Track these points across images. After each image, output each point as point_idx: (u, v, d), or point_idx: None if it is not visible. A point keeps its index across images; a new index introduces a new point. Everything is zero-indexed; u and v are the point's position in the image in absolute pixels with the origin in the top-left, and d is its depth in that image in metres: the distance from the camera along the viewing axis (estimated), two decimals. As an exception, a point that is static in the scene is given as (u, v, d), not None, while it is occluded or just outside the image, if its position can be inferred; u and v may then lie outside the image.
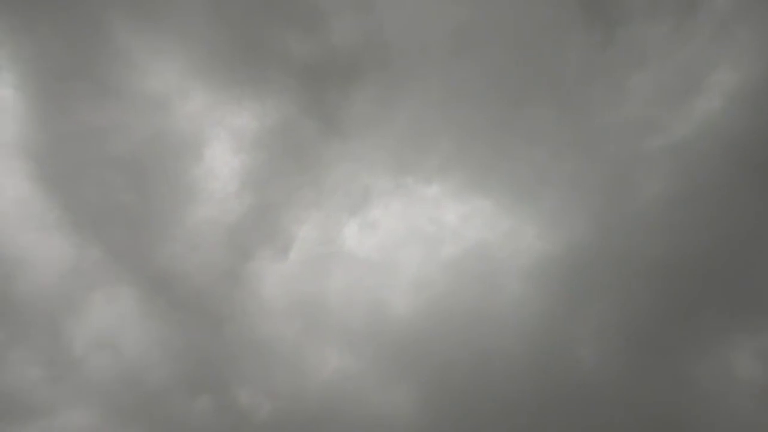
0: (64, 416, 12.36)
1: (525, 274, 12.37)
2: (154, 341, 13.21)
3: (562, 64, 12.61)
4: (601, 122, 12.29)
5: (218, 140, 14.07)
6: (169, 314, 13.45)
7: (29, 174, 13.41)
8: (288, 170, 13.78)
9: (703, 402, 11.05)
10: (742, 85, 11.31)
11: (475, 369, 11.99)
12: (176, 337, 13.26)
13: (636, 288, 11.60)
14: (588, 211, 12.06)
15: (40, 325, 12.92)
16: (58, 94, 13.21)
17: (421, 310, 12.73)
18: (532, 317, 12.02)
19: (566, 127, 12.57)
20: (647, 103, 11.93)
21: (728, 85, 11.46)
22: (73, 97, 13.28)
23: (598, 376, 11.42)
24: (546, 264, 12.21)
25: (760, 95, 11.10)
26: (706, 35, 11.64)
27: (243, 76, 13.48)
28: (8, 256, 13.30)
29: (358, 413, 12.50)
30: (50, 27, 12.76)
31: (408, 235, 13.33)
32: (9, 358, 12.66)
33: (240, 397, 13.01)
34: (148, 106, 13.74)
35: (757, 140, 10.99)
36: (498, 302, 12.40)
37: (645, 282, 11.56)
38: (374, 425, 12.27)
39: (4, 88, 13.15)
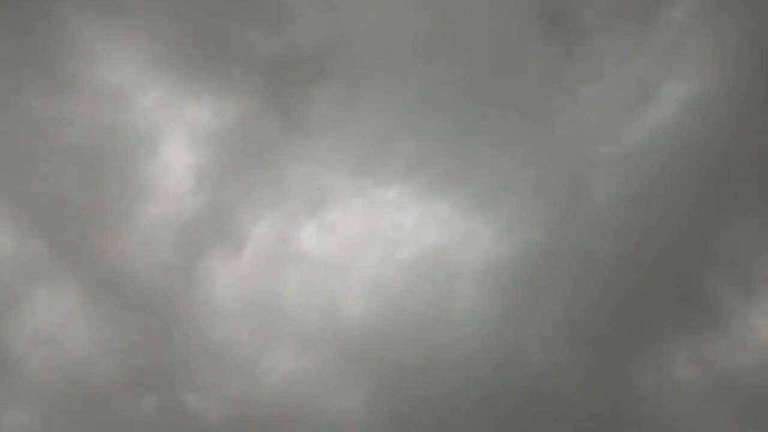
0: (1, 417, 11.71)
1: (480, 277, 12.48)
2: (99, 340, 12.70)
3: (524, 73, 12.88)
4: (558, 130, 12.60)
5: (174, 136, 13.76)
6: (115, 312, 12.97)
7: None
8: (245, 168, 13.58)
9: (643, 403, 11.37)
10: (694, 95, 11.82)
11: (430, 371, 11.99)
12: (123, 336, 12.78)
13: (586, 290, 11.89)
14: (544, 215, 12.31)
15: (-25, 321, 12.28)
16: (7, 82, 12.69)
17: (376, 313, 12.68)
18: (486, 319, 12.14)
19: (525, 134, 12.84)
20: (603, 112, 12.32)
21: (680, 95, 11.95)
22: (23, 85, 12.79)
23: (547, 376, 11.63)
24: (501, 267, 12.37)
25: (710, 104, 11.63)
26: (661, 48, 12.13)
27: (203, 70, 13.28)
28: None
29: (311, 418, 12.28)
30: (2, 11, 12.28)
31: (365, 237, 13.27)
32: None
33: (188, 399, 12.58)
34: (102, 97, 13.36)
35: (706, 146, 11.49)
36: (453, 305, 12.47)
37: (594, 284, 11.87)
38: (328, 430, 12.06)
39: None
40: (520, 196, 12.64)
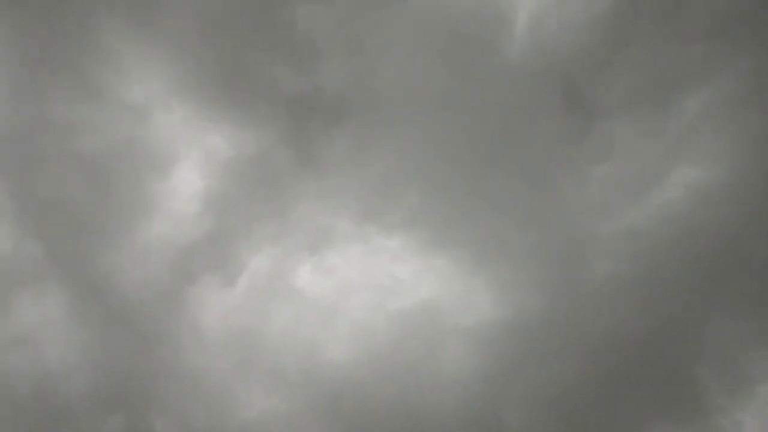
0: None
1: (469, 337, 12.32)
2: (77, 349, 12.49)
3: (536, 143, 13.08)
4: (563, 202, 12.66)
5: (189, 159, 13.89)
6: (98, 325, 12.79)
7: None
8: (252, 199, 13.65)
9: None
10: (703, 182, 11.92)
11: (405, 424, 11.63)
12: (101, 349, 12.56)
13: (573, 360, 11.68)
14: (541, 283, 12.23)
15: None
16: (32, 82, 12.98)
17: (358, 361, 12.45)
18: (469, 379, 11.91)
19: (531, 201, 12.91)
20: (610, 190, 12.42)
21: (689, 181, 12.06)
22: (48, 87, 13.07)
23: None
24: (492, 329, 12.21)
25: (718, 193, 11.71)
26: (674, 134, 12.33)
27: (227, 99, 13.54)
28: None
29: (276, 460, 11.86)
30: (36, 13, 12.67)
31: (360, 282, 13.18)
32: None
33: (156, 424, 12.21)
34: (123, 110, 13.58)
35: (710, 235, 11.49)
36: (438, 363, 12.26)
37: (582, 357, 11.66)
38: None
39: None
40: (520, 261, 12.61)
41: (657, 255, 11.77)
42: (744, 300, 11.47)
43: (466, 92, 12.91)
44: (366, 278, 13.26)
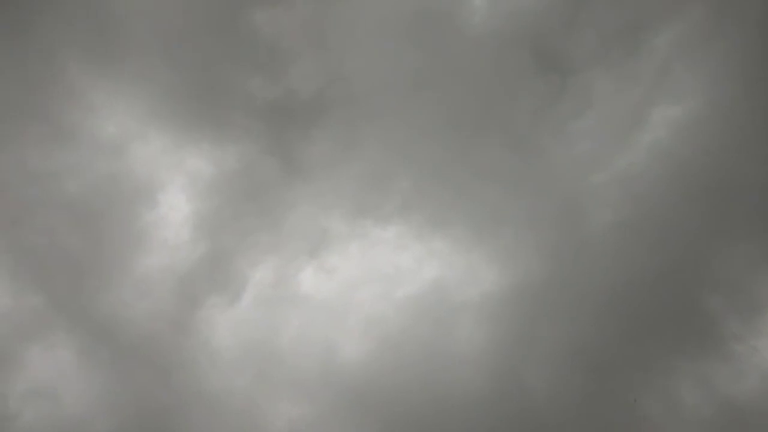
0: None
1: (479, 310, 12.33)
2: (96, 393, 12.38)
3: (516, 108, 13.07)
4: (551, 162, 12.68)
5: (174, 185, 13.82)
6: (112, 364, 12.68)
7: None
8: (244, 214, 13.58)
9: (644, 424, 10.94)
10: (683, 116, 11.95)
11: (433, 407, 11.60)
12: (120, 387, 12.46)
13: (585, 314, 11.67)
14: (541, 244, 12.26)
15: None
16: (4, 133, 12.89)
17: (375, 353, 12.42)
18: (486, 352, 11.91)
19: (519, 166, 12.92)
20: (594, 140, 12.44)
21: (670, 118, 12.07)
22: (21, 136, 12.97)
23: (549, 404, 11.27)
24: (500, 298, 12.22)
25: (701, 124, 11.74)
26: (648, 75, 12.36)
27: (202, 119, 13.49)
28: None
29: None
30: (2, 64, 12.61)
31: (364, 277, 13.15)
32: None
33: (185, 452, 12.12)
34: (101, 148, 13.51)
35: (699, 167, 11.51)
36: (452, 339, 12.26)
37: (594, 308, 11.66)
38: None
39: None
40: (516, 227, 12.61)
41: (652, 195, 11.78)
42: (745, 224, 11.49)
43: (437, 70, 12.92)
44: (369, 272, 13.24)
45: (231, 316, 13.22)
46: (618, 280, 11.82)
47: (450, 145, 13.35)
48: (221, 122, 13.62)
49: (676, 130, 11.87)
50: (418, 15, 13.08)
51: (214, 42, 13.08)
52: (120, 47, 13.08)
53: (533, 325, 12.32)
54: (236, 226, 13.59)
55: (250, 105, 13.39)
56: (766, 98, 11.60)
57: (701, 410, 11.11)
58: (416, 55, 13.01)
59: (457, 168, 13.32)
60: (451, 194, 13.22)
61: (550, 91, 13.17)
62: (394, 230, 13.21)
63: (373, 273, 13.18)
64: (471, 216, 13.15)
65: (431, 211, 13.32)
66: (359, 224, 13.40)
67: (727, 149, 11.53)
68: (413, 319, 12.75)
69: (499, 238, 12.86)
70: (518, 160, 13.14)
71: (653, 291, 11.81)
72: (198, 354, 12.85)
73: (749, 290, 11.63)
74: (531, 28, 13.09)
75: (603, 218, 12.34)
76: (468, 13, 12.91)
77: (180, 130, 13.69)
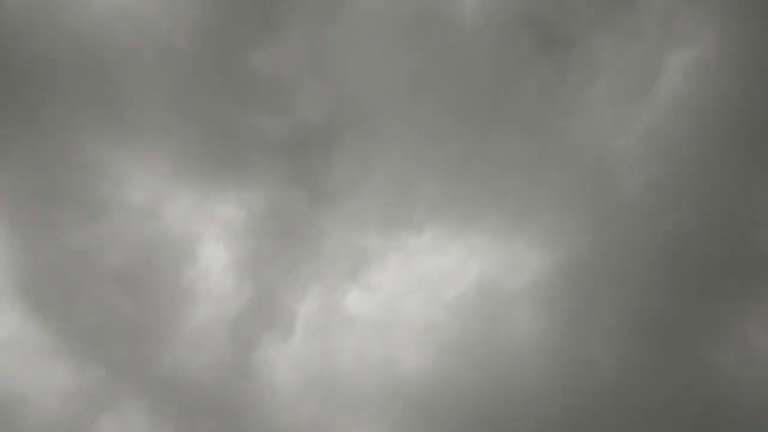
0: None
1: (530, 298, 12.10)
2: (170, 451, 12.52)
3: (525, 91, 12.96)
4: (570, 135, 12.48)
5: (209, 236, 14.07)
6: (180, 419, 12.82)
7: (19, 305, 13.27)
8: (281, 250, 13.73)
9: (721, 379, 10.47)
10: (696, 62, 11.64)
11: (502, 403, 11.37)
12: (192, 440, 12.58)
13: (639, 280, 11.32)
14: (578, 219, 11.99)
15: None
16: (38, 220, 13.34)
17: (436, 359, 12.30)
18: (546, 337, 11.65)
19: (540, 148, 12.75)
20: (610, 105, 12.20)
21: (682, 67, 11.78)
22: (57, 219, 13.43)
23: (620, 377, 10.90)
24: (549, 282, 11.97)
25: (715, 67, 11.40)
26: (653, 28, 12.11)
27: (222, 166, 13.76)
28: (8, 393, 12.87)
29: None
30: (22, 155, 13.12)
31: (410, 287, 13.06)
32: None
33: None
34: (133, 216, 13.85)
35: (724, 103, 11.14)
36: (510, 332, 12.05)
37: (646, 271, 11.29)
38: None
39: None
40: (550, 208, 12.40)
41: (680, 146, 11.48)
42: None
43: (438, 70, 12.95)
44: (413, 281, 13.19)
45: (287, 351, 13.29)
46: (664, 237, 11.47)
47: (466, 141, 13.29)
48: (241, 166, 13.88)
49: (690, 77, 11.58)
50: (410, 19, 13.19)
51: (219, 90, 13.40)
52: (130, 115, 13.50)
53: (588, 301, 12.03)
54: (276, 263, 13.74)
55: (265, 143, 13.62)
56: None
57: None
58: (414, 59, 13.09)
59: (478, 162, 13.24)
60: (478, 189, 13.12)
61: (555, 68, 13.06)
62: (428, 235, 13.16)
63: (417, 281, 13.13)
64: (502, 206, 13.02)
65: (461, 209, 13.25)
66: (393, 236, 13.39)
67: (748, 86, 11.16)
68: (466, 319, 12.60)
69: (535, 222, 12.67)
70: (538, 141, 13.00)
71: (702, 241, 11.43)
72: (262, 394, 12.92)
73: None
74: (523, 10, 13.03)
75: (635, 181, 12.08)
76: (459, 8, 12.94)
77: (204, 181, 13.98)
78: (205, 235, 14.05)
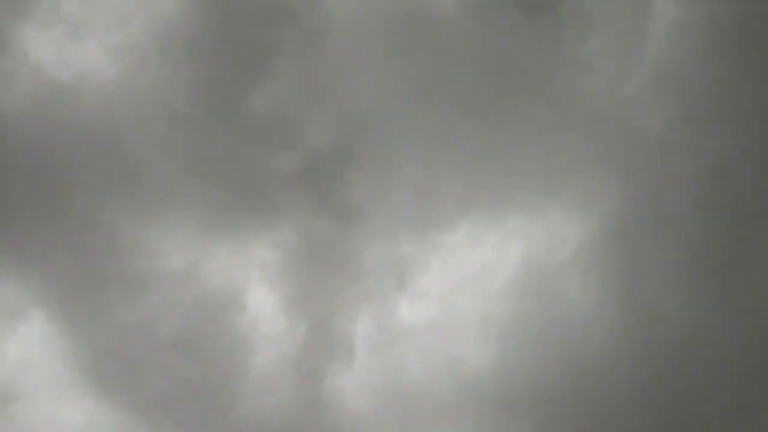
0: None
1: (583, 266, 11.83)
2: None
3: (524, 64, 12.84)
4: (580, 94, 12.28)
5: (252, 283, 14.20)
6: (266, 467, 12.89)
7: (89, 391, 13.55)
8: (324, 278, 13.76)
9: None
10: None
11: (575, 378, 11.13)
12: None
13: (684, 222, 10.98)
14: (609, 175, 11.72)
15: None
16: (88, 306, 13.65)
17: (501, 351, 12.12)
18: (605, 302, 11.37)
19: (553, 115, 12.57)
20: (611, 52, 11.97)
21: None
22: (104, 301, 13.72)
23: (690, 325, 10.52)
24: (596, 246, 11.68)
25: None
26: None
27: (249, 211, 13.90)
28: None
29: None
30: (59, 249, 13.48)
31: (458, 285, 12.94)
32: None
33: None
34: (176, 281, 14.05)
35: (727, 25, 10.78)
36: (566, 306, 11.80)
37: (690, 211, 10.96)
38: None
39: (36, 326, 13.52)
40: (579, 171, 12.16)
41: (691, 72, 11.10)
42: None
43: (433, 62, 12.92)
44: (458, 278, 13.08)
45: (353, 375, 13.27)
46: (700, 170, 11.12)
47: (478, 127, 13.20)
48: (266, 207, 14.02)
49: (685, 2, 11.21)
50: (393, 25, 13.24)
51: (227, 141, 13.61)
52: (150, 186, 13.77)
53: (638, 256, 11.78)
54: (322, 292, 13.78)
55: (284, 180, 13.74)
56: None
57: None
58: (407, 62, 13.09)
59: (494, 146, 13.13)
60: (500, 172, 13.01)
61: (547, 33, 12.90)
62: (462, 229, 13.05)
63: (463, 277, 13.02)
64: (528, 183, 12.88)
65: (489, 195, 13.14)
66: (429, 239, 13.33)
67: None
68: (521, 302, 12.43)
69: (565, 190, 12.47)
70: (548, 110, 12.85)
71: (742, 165, 11.00)
72: (337, 423, 12.91)
73: None
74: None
75: (656, 122, 11.76)
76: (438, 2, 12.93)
77: (235, 231, 14.16)
78: (248, 282, 14.17)
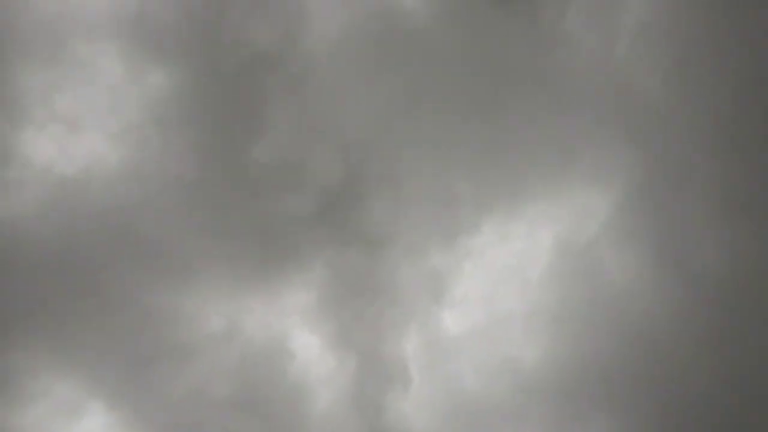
0: None
1: (613, 237, 11.66)
2: None
3: (504, 51, 12.82)
4: (569, 69, 12.23)
5: (293, 328, 14.20)
6: None
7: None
8: (363, 308, 13.73)
9: None
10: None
11: (634, 353, 10.91)
12: None
13: (713, 165, 10.77)
14: (619, 142, 11.54)
15: None
16: (137, 382, 13.68)
17: (552, 340, 11.92)
18: (647, 266, 11.23)
19: (553, 95, 12.50)
20: (591, 21, 11.87)
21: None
22: (154, 376, 13.80)
23: (740, 271, 10.21)
24: (622, 215, 11.55)
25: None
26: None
27: (274, 261, 13.96)
28: None
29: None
30: (102, 335, 13.63)
31: (495, 286, 12.84)
32: None
33: None
34: (221, 343, 14.08)
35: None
36: (610, 279, 11.58)
37: (716, 153, 10.74)
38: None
39: (99, 416, 13.59)
40: (589, 146, 12.06)
41: (679, 22, 10.88)
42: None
43: (417, 73, 12.95)
44: (495, 278, 13.00)
45: (414, 398, 13.15)
46: (710, 113, 10.89)
47: (481, 127, 13.20)
48: (291, 251, 14.07)
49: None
50: (373, 49, 13.32)
51: (237, 197, 13.74)
52: (178, 257, 13.86)
53: (673, 212, 11.59)
54: (364, 323, 13.73)
55: (301, 221, 13.80)
56: None
57: None
58: (396, 80, 13.18)
59: (501, 139, 13.12)
60: (512, 162, 13.00)
61: (526, 18, 12.91)
62: (487, 228, 13.00)
63: (498, 275, 12.91)
64: (544, 167, 12.83)
65: (508, 189, 13.09)
66: (457, 246, 13.28)
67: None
68: (562, 287, 12.35)
69: (581, 165, 12.45)
70: (545, 92, 12.82)
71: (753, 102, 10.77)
72: (413, 451, 12.80)
73: None
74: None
75: (653, 80, 11.61)
76: (402, 8, 12.95)
77: (266, 282, 14.19)
78: (290, 329, 14.17)
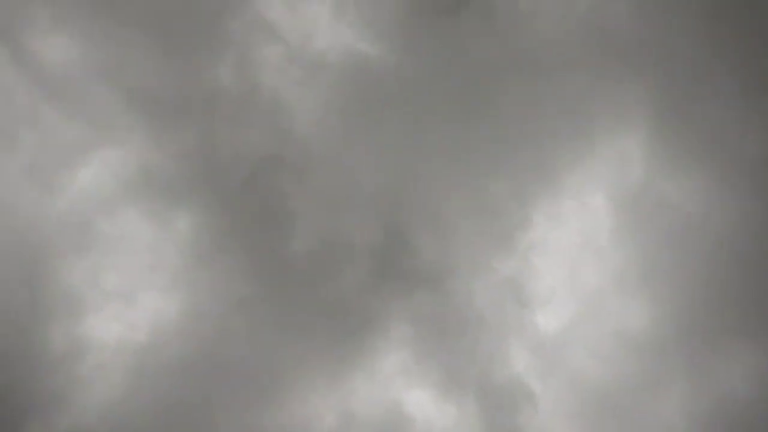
0: None
1: (667, 174, 11.32)
2: None
3: (477, 64, 12.92)
4: (546, 47, 12.19)
5: (401, 390, 13.92)
6: None
7: None
8: (457, 347, 13.57)
9: None
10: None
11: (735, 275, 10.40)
12: None
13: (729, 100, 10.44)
14: (639, 88, 11.31)
15: None
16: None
17: (658, 298, 11.53)
18: (705, 191, 10.71)
19: (536, 88, 12.51)
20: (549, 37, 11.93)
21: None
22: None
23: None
24: (668, 151, 11.28)
25: None
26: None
27: (352, 334, 13.81)
28: None
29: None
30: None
31: (573, 267, 12.68)
32: None
33: None
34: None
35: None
36: (682, 213, 11.23)
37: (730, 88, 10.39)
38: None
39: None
40: (601, 128, 11.87)
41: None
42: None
43: (409, 113, 13.08)
44: (569, 261, 12.85)
45: (544, 408, 12.80)
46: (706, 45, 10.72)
47: (488, 138, 13.26)
48: (368, 323, 13.96)
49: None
50: (355, 106, 13.57)
51: (295, 292, 13.81)
52: (260, 373, 13.78)
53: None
54: (464, 361, 13.50)
55: (365, 291, 13.77)
56: None
57: None
58: (388, 127, 13.31)
59: (512, 143, 13.17)
60: (534, 159, 13.01)
61: (479, 20, 13.03)
62: (537, 218, 12.76)
63: (573, 258, 12.83)
64: (570, 143, 12.79)
65: (538, 175, 12.94)
66: (518, 249, 13.18)
67: None
68: (639, 236, 12.09)
69: (600, 150, 12.15)
70: (533, 78, 12.81)
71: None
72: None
73: None
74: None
75: (642, 35, 11.60)
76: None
77: (355, 356, 13.97)
78: (399, 394, 13.88)
